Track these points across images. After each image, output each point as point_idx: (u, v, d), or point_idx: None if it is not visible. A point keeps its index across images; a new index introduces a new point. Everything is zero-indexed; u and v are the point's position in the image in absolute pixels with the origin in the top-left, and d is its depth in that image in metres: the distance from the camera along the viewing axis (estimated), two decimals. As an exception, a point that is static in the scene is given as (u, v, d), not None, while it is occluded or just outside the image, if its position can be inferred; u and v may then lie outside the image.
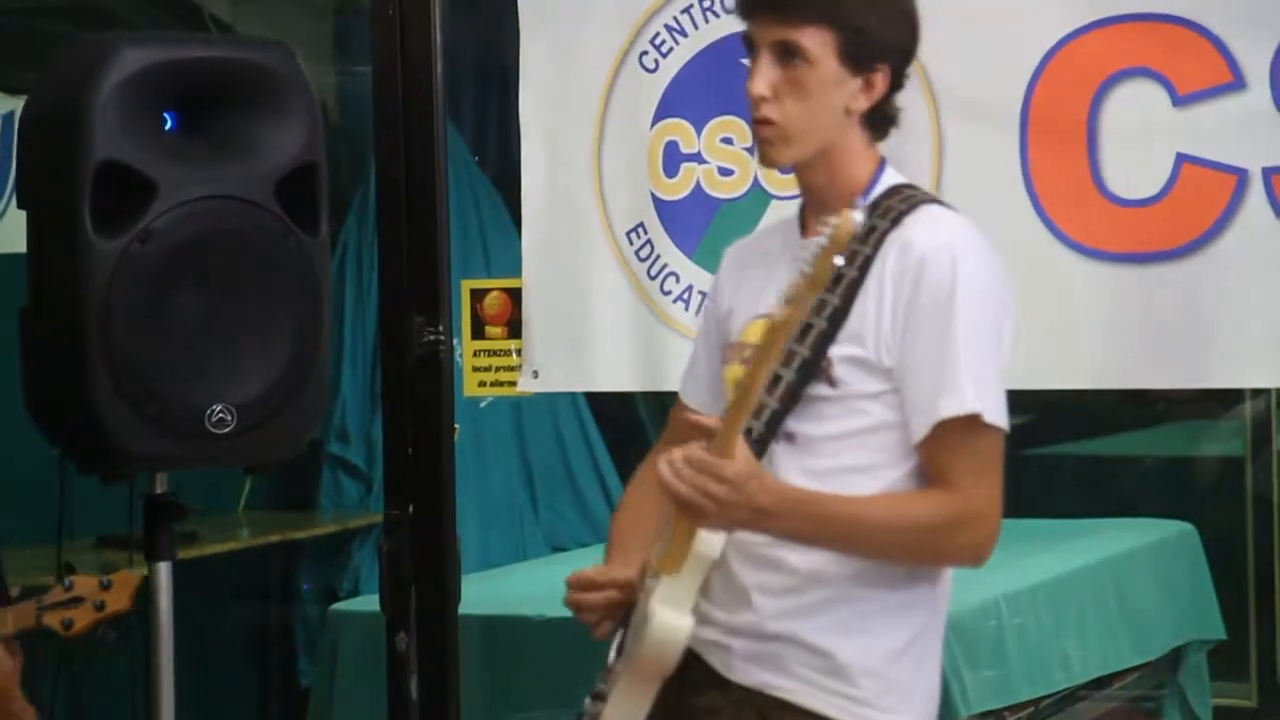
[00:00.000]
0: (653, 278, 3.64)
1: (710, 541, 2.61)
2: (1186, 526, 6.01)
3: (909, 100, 3.36)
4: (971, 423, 2.58)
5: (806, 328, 2.61)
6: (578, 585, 2.76)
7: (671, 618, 2.62)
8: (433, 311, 3.80)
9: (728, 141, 3.55)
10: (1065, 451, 7.33)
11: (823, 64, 2.63)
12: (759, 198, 3.54)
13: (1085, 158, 3.32)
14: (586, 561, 2.79)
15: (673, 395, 2.92)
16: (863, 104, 2.67)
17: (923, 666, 2.72)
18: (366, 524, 6.55)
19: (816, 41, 2.62)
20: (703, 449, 2.51)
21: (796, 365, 2.61)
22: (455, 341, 4.01)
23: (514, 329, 3.95)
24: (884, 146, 2.74)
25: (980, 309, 2.61)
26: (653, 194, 3.63)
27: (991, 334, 2.63)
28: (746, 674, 2.68)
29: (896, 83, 2.71)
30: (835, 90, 2.65)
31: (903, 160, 3.41)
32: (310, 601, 6.69)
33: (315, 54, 6.63)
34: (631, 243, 3.66)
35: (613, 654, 2.77)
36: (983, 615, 4.88)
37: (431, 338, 3.83)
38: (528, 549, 6.64)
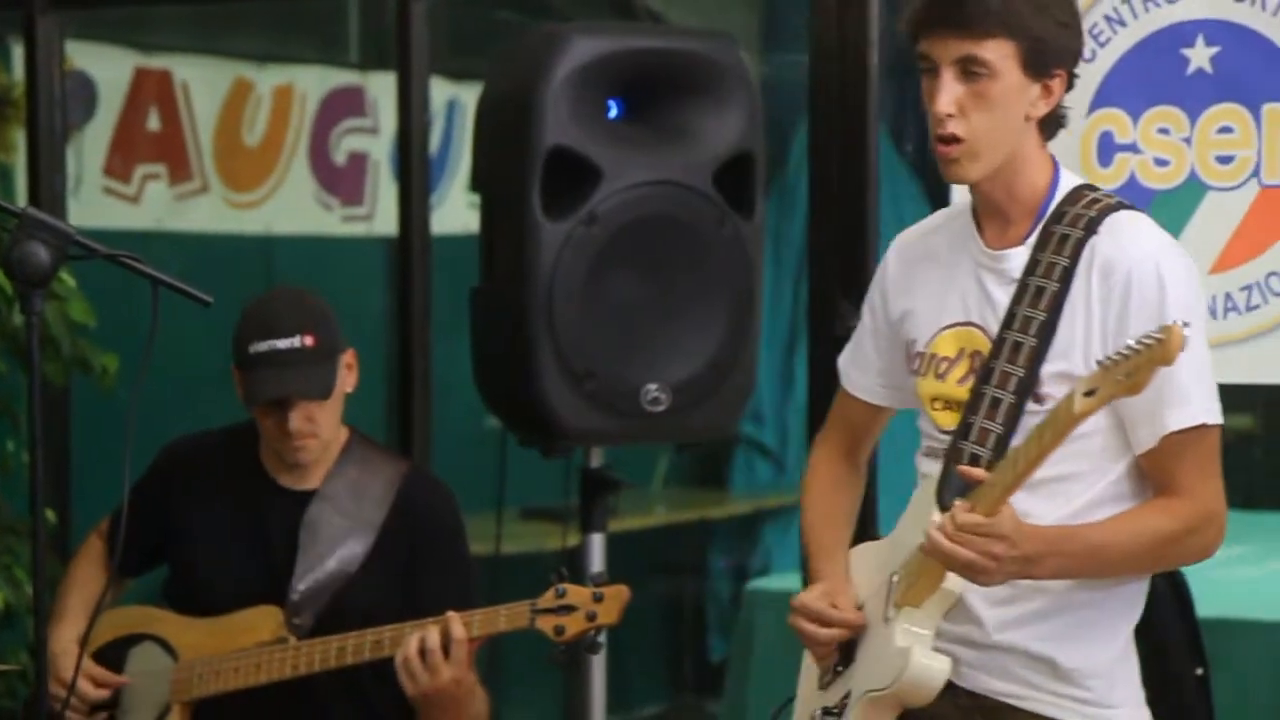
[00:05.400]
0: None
1: (956, 581, 2.66)
2: None
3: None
4: (1198, 430, 2.61)
5: (1016, 345, 2.65)
6: (808, 616, 2.82)
7: (930, 660, 2.69)
8: (859, 296, 3.85)
9: (1164, 132, 3.51)
10: None
11: (1005, 75, 2.63)
12: (1194, 189, 3.49)
13: None
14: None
15: None
16: (1042, 110, 2.68)
17: (1133, 652, 2.76)
18: (777, 504, 6.64)
19: (999, 54, 2.62)
20: (965, 509, 2.55)
21: (1013, 386, 2.65)
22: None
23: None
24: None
25: (1190, 315, 2.58)
26: (1085, 183, 3.63)
27: (1202, 337, 2.64)
28: (974, 680, 2.72)
29: (1069, 85, 2.70)
30: (1018, 100, 2.65)
31: None
32: (721, 579, 6.80)
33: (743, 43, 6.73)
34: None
35: (819, 674, 2.85)
36: None
37: (856, 322, 3.87)
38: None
